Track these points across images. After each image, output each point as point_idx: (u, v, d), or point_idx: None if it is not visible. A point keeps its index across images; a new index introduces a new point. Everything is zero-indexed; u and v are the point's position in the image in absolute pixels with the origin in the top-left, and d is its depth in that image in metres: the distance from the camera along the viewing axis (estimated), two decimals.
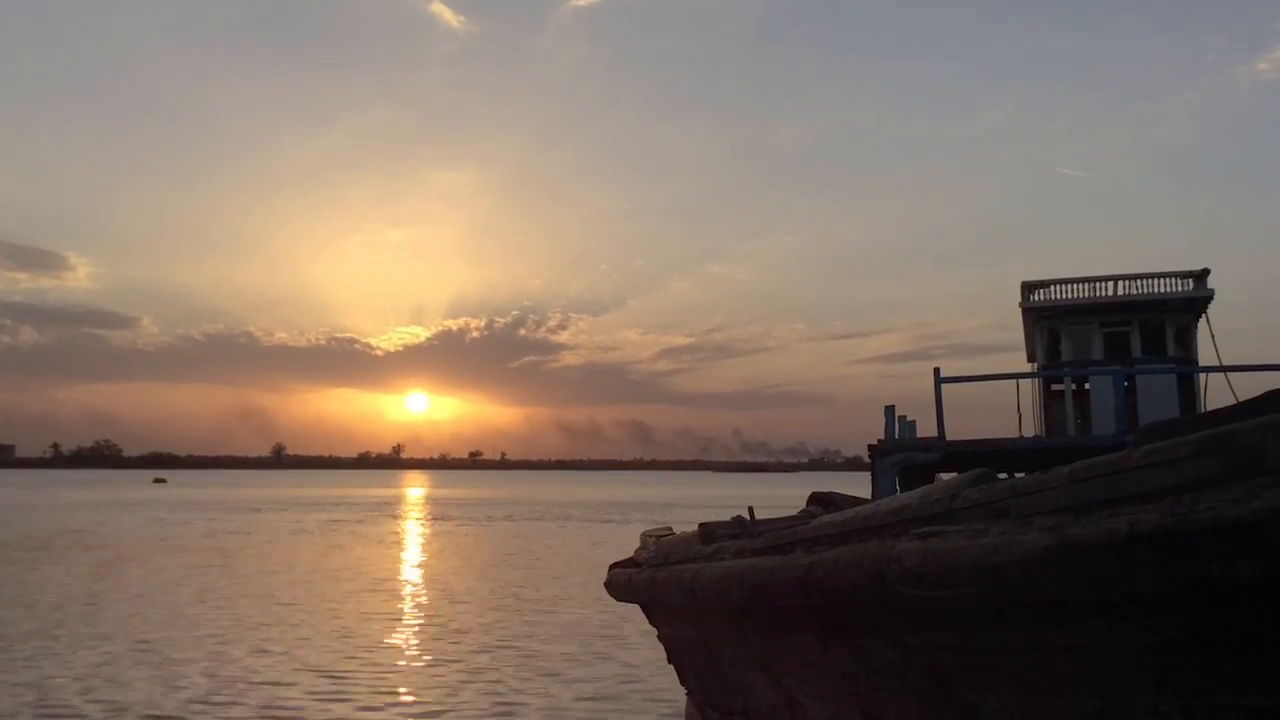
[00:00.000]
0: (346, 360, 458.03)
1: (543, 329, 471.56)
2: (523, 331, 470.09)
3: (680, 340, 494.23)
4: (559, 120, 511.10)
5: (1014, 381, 17.59)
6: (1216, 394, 15.62)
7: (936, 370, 14.85)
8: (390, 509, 46.99)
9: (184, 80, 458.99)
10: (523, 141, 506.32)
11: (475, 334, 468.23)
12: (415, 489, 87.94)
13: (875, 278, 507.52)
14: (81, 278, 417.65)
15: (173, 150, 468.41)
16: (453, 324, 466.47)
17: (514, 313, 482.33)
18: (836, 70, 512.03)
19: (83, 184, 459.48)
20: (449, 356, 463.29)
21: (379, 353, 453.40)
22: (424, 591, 15.76)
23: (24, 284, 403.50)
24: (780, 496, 34.55)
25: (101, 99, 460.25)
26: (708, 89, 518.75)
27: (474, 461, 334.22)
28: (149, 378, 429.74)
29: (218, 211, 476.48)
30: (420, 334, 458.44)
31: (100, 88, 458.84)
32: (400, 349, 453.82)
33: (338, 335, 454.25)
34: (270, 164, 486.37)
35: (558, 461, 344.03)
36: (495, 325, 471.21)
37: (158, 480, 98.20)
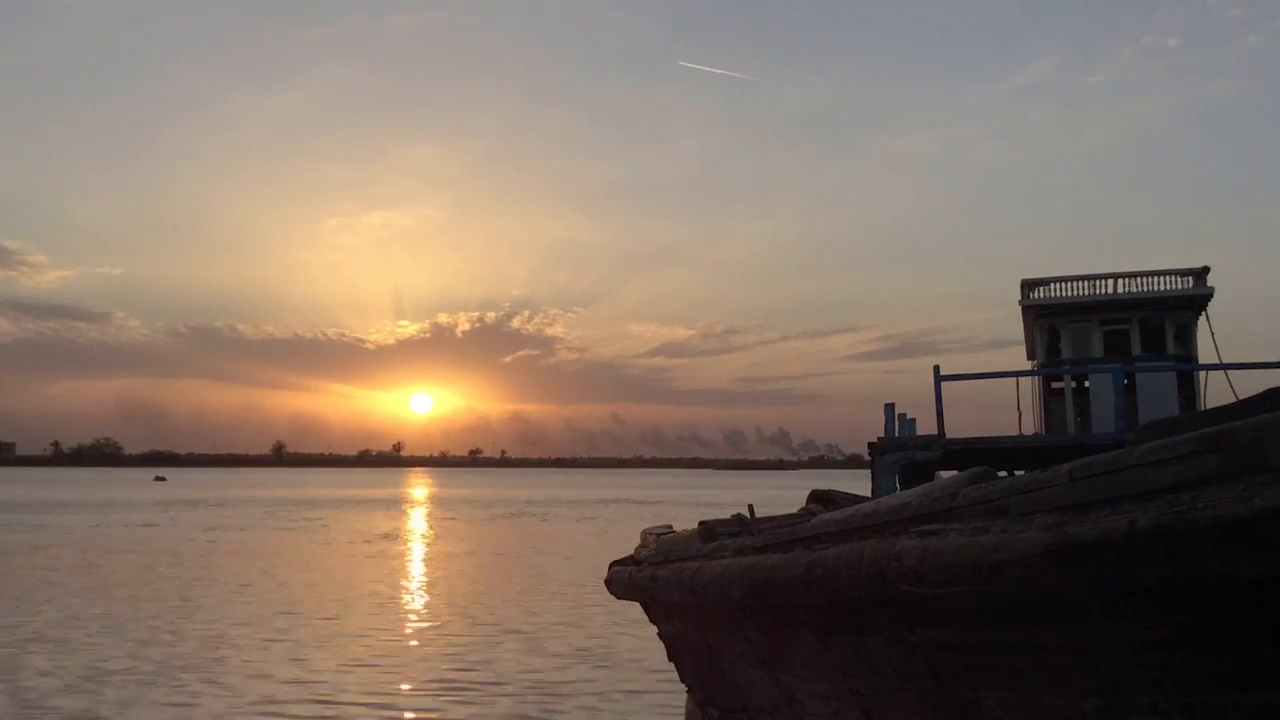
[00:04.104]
0: (338, 355, 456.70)
1: (536, 320, 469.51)
2: (515, 324, 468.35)
3: (679, 333, 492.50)
4: (542, 80, 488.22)
5: (1014, 379, 17.63)
6: (1216, 392, 15.65)
7: (936, 368, 14.89)
8: (399, 508, 46.97)
9: (133, 42, 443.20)
10: (504, 106, 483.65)
11: (467, 327, 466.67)
12: (419, 488, 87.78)
13: (879, 265, 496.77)
14: (44, 266, 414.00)
15: (130, 134, 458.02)
16: (444, 318, 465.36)
17: (506, 305, 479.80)
18: (848, 23, 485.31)
19: (35, 173, 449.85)
20: (441, 352, 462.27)
21: (370, 346, 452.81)
22: (426, 591, 15.77)
23: None
24: (779, 495, 34.59)
25: (52, 82, 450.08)
26: (707, 41, 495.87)
27: (474, 459, 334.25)
28: (139, 373, 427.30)
29: (180, 192, 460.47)
30: (410, 328, 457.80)
31: (50, 67, 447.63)
32: (393, 343, 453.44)
33: (326, 330, 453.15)
34: (230, 133, 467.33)
35: (557, 459, 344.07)
36: (486, 319, 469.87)
37: (159, 479, 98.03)
